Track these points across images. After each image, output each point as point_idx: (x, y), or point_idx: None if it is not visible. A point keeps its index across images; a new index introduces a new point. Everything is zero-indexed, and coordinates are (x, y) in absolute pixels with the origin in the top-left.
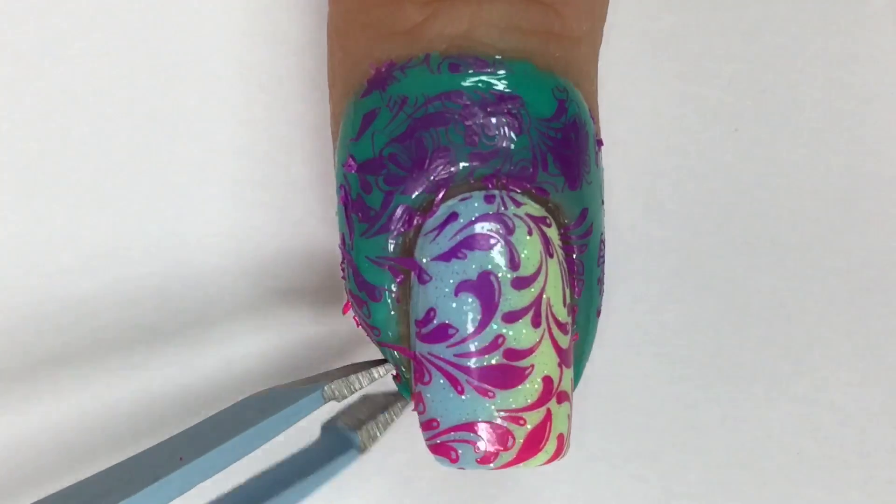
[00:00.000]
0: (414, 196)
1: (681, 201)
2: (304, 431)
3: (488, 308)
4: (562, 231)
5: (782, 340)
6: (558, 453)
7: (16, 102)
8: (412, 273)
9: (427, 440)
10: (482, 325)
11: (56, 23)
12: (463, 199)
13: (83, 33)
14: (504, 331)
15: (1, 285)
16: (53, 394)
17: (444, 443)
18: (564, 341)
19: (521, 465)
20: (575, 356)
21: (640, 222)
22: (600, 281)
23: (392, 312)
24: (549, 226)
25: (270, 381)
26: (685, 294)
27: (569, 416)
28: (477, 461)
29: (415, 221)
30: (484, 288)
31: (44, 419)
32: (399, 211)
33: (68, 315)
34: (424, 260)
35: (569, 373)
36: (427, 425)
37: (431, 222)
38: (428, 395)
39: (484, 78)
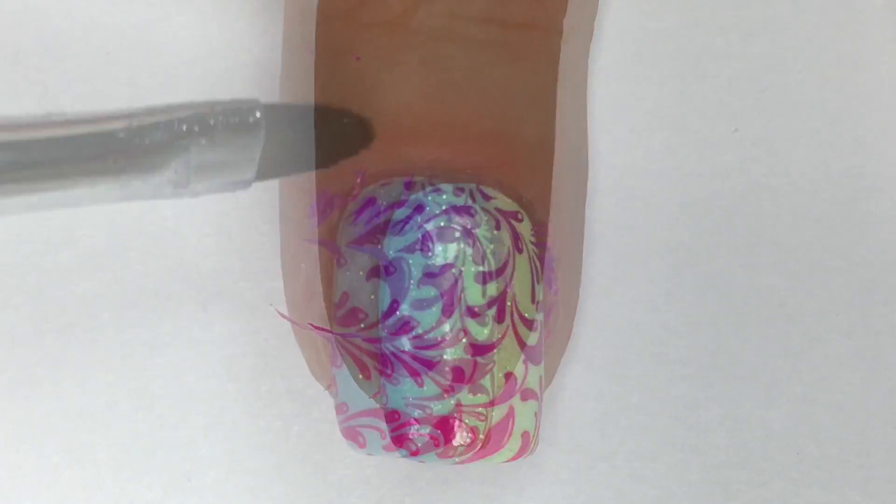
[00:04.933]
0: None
1: (681, 201)
2: None
3: (450, 302)
4: (536, 227)
5: (782, 340)
6: (524, 450)
7: (15, 102)
8: (381, 265)
9: (389, 432)
10: (443, 318)
11: (56, 23)
12: (432, 192)
13: (82, 33)
14: (466, 325)
15: (1, 285)
16: (53, 394)
17: (404, 435)
18: (531, 338)
19: (484, 460)
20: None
21: (640, 222)
22: None
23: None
24: (520, 220)
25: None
26: (685, 294)
27: (536, 414)
28: (437, 455)
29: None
30: (446, 281)
31: (44, 419)
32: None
33: (68, 315)
34: (391, 252)
35: (536, 370)
36: (390, 417)
37: (399, 213)
38: (389, 389)
39: None
